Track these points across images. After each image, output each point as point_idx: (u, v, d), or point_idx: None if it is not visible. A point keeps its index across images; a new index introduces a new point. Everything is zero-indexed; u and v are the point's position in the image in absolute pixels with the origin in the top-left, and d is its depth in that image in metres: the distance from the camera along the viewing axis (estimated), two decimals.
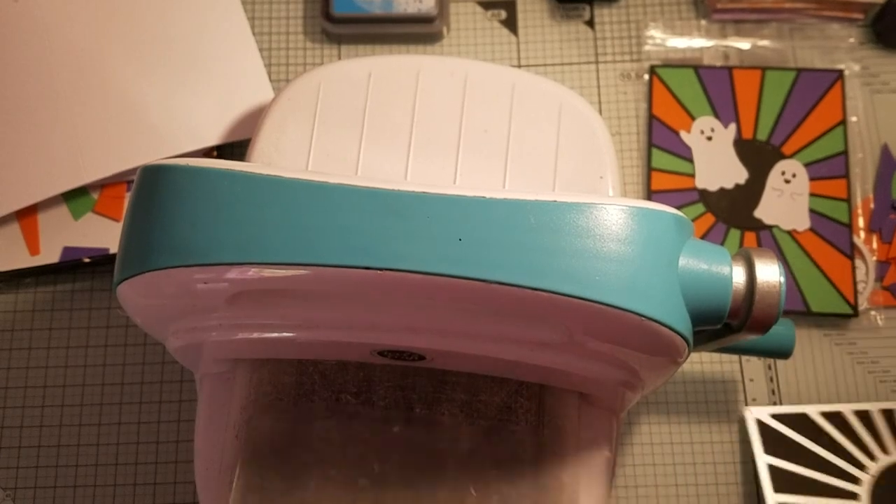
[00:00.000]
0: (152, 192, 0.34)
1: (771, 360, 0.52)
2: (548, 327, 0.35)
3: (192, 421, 0.51)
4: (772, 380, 0.52)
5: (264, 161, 0.46)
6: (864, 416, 0.51)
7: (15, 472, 0.50)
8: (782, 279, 0.35)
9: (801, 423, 0.51)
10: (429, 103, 0.47)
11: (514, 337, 0.36)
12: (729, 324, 0.37)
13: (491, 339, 0.37)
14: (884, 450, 0.50)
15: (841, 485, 0.49)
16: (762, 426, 0.50)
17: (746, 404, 0.51)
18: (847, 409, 0.51)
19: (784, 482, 0.49)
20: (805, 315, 0.53)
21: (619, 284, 0.32)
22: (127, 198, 0.54)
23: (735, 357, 0.52)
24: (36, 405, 0.52)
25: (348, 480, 0.41)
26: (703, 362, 0.52)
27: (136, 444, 0.51)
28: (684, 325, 0.34)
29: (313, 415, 0.42)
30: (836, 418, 0.51)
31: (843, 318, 0.53)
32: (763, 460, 0.50)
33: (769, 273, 0.35)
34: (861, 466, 0.50)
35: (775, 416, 0.51)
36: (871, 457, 0.50)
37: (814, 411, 0.51)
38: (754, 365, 0.52)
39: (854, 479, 0.49)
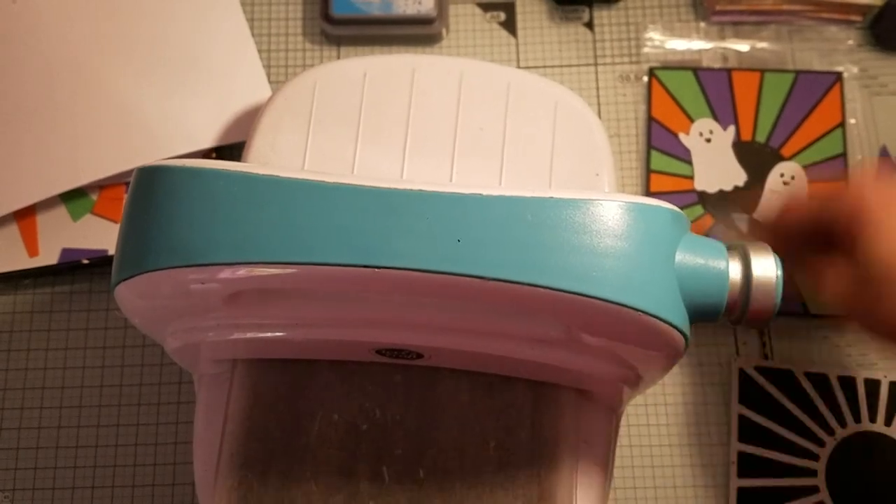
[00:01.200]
0: (149, 192, 0.34)
1: None
2: (546, 323, 0.35)
3: (191, 423, 0.51)
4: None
5: (260, 161, 0.46)
6: (847, 383, 0.51)
7: (13, 473, 0.50)
8: (779, 273, 0.35)
9: (783, 379, 0.51)
10: (424, 102, 0.48)
11: (512, 333, 0.36)
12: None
13: (489, 336, 0.37)
14: (856, 418, 0.50)
15: (805, 444, 0.50)
16: (744, 376, 0.51)
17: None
18: (832, 372, 0.51)
19: (751, 433, 0.50)
20: (804, 317, 0.53)
21: (616, 280, 0.32)
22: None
23: (734, 358, 0.52)
24: (34, 406, 0.52)
25: (350, 425, 0.41)
26: (701, 364, 0.52)
27: (134, 445, 0.51)
28: (681, 319, 0.34)
29: (316, 366, 0.42)
30: (819, 380, 0.51)
31: (842, 319, 0.53)
32: (736, 409, 0.50)
33: (765, 267, 0.35)
34: (830, 430, 0.50)
35: (759, 369, 0.51)
36: (843, 423, 0.50)
37: (799, 370, 0.51)
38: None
39: (819, 442, 0.50)
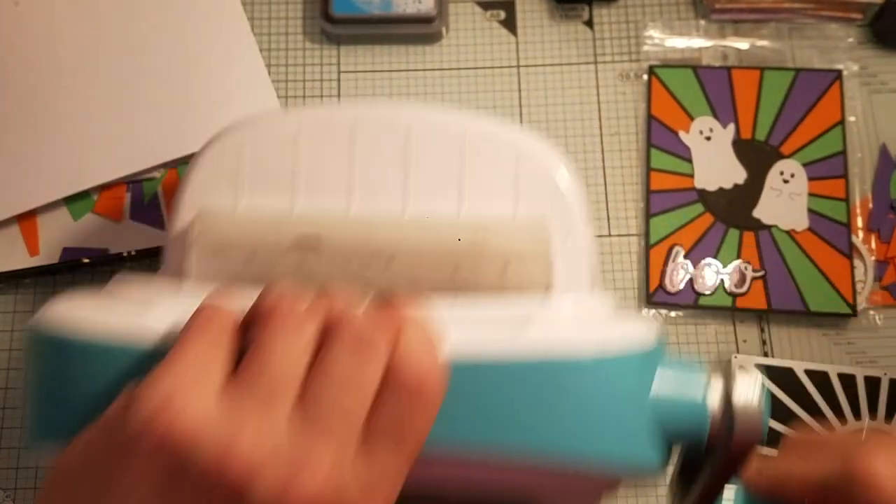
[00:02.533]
0: (36, 359, 0.32)
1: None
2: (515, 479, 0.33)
3: None
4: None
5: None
6: (847, 380, 0.51)
7: (15, 472, 0.50)
8: (763, 404, 0.33)
9: (784, 377, 0.51)
10: (368, 163, 0.42)
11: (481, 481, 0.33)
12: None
13: (456, 480, 0.33)
14: (857, 415, 0.50)
15: None
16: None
17: None
18: (833, 370, 0.51)
19: None
20: (804, 315, 0.53)
21: (585, 436, 0.31)
22: (126, 199, 0.54)
23: (735, 356, 0.52)
24: None
25: None
26: (701, 362, 0.52)
27: None
28: (657, 460, 0.32)
29: None
30: (819, 377, 0.51)
31: (841, 317, 0.53)
32: None
33: (747, 396, 0.33)
34: (830, 428, 0.50)
35: (760, 367, 0.51)
36: (843, 420, 0.50)
37: (799, 367, 0.51)
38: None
39: None
